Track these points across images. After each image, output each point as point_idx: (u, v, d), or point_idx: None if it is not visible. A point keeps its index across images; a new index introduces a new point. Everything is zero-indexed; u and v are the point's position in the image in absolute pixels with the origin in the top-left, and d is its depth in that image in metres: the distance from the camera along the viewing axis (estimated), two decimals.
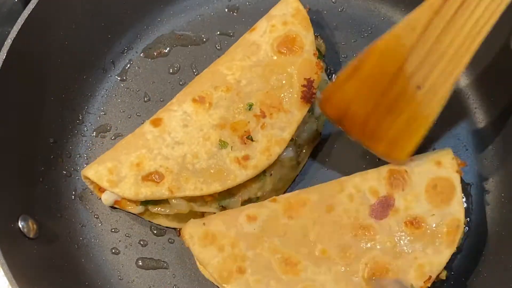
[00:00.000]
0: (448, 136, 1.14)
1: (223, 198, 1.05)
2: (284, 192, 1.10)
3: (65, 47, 1.14)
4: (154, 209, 1.06)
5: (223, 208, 1.06)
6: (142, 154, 1.05)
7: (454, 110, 1.15)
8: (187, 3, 1.26)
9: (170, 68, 1.22)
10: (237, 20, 1.24)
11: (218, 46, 1.22)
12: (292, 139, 1.07)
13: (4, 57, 1.02)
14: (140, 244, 1.09)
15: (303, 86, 1.07)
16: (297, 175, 1.13)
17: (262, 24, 1.13)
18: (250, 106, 1.07)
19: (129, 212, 1.09)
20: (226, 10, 1.25)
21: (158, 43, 1.24)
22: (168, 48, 1.23)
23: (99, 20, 1.18)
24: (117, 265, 1.08)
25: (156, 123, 1.08)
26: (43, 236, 1.02)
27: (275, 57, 1.11)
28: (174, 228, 1.09)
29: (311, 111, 1.10)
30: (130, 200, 1.06)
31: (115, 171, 1.04)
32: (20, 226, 0.98)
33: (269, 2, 1.20)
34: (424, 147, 1.12)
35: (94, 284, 1.06)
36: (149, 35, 1.25)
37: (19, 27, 1.04)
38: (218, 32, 1.24)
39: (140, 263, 1.08)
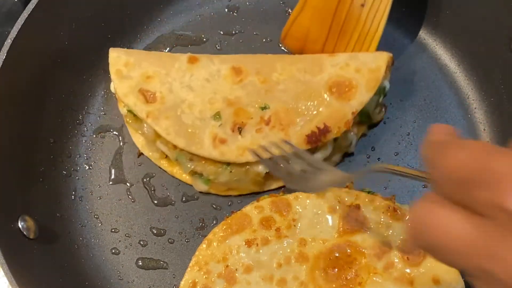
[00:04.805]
0: None
1: (182, 154, 1.06)
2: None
3: (65, 47, 1.14)
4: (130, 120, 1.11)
5: (175, 163, 1.10)
6: (158, 72, 1.08)
7: (453, 110, 1.16)
8: (187, 3, 1.26)
9: None
10: (237, 20, 1.24)
11: (218, 46, 1.22)
12: None
13: (4, 57, 1.01)
14: (140, 244, 1.09)
15: (317, 127, 1.03)
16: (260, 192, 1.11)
17: (341, 58, 1.08)
18: (264, 108, 1.06)
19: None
20: (226, 10, 1.25)
21: (158, 43, 1.24)
22: (168, 48, 1.23)
23: (99, 20, 1.18)
24: (117, 265, 1.08)
25: (192, 60, 1.10)
26: (43, 236, 1.02)
27: (322, 90, 1.06)
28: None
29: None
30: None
31: (130, 68, 1.09)
32: (20, 226, 0.98)
33: (270, 2, 1.20)
34: None
35: (94, 284, 1.05)
36: (149, 35, 1.25)
37: (19, 27, 1.03)
38: (218, 32, 1.24)
39: (140, 263, 1.08)
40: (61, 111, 1.15)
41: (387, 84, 1.11)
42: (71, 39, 1.14)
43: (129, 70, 1.09)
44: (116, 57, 1.11)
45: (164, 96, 1.07)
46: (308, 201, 0.98)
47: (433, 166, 0.52)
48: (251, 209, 0.99)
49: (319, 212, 0.98)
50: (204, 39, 1.24)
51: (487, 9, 1.11)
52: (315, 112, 1.05)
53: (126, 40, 1.23)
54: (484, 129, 1.14)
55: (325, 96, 1.06)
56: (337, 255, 0.95)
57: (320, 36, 1.12)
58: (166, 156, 1.12)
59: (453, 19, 1.18)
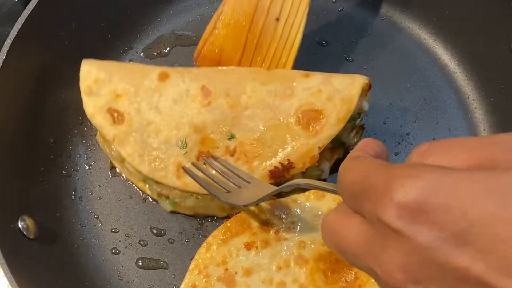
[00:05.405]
0: (447, 136, 1.13)
1: (149, 178, 1.04)
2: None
3: (65, 47, 1.14)
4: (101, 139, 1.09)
5: (144, 182, 1.08)
6: (127, 90, 1.05)
7: (453, 110, 1.16)
8: (187, 3, 1.26)
9: None
10: None
11: None
12: None
13: (4, 57, 1.01)
14: (140, 244, 1.09)
15: (281, 163, 0.99)
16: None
17: (315, 81, 1.03)
18: (231, 137, 1.01)
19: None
20: None
21: (158, 43, 1.24)
22: (168, 48, 1.23)
23: (99, 20, 1.18)
24: (117, 265, 1.08)
25: (162, 77, 1.06)
26: (43, 236, 1.02)
27: (291, 119, 1.01)
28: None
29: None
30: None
31: (100, 84, 1.05)
32: (20, 226, 0.98)
33: None
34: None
35: (94, 284, 1.06)
36: (149, 35, 1.25)
37: (19, 27, 1.03)
38: None
39: (140, 263, 1.08)
40: (61, 111, 1.15)
41: (366, 106, 1.06)
42: (71, 39, 1.14)
43: (99, 87, 1.04)
44: (87, 71, 1.06)
45: (132, 117, 1.03)
46: (307, 204, 0.98)
47: (339, 181, 0.59)
48: (250, 212, 0.99)
49: (319, 213, 0.98)
50: None
51: (487, 9, 1.11)
52: (280, 145, 1.00)
53: (126, 40, 1.23)
54: (484, 129, 1.14)
55: (292, 126, 1.00)
56: (336, 257, 0.95)
57: (235, 54, 1.09)
58: None
59: (453, 19, 1.18)
